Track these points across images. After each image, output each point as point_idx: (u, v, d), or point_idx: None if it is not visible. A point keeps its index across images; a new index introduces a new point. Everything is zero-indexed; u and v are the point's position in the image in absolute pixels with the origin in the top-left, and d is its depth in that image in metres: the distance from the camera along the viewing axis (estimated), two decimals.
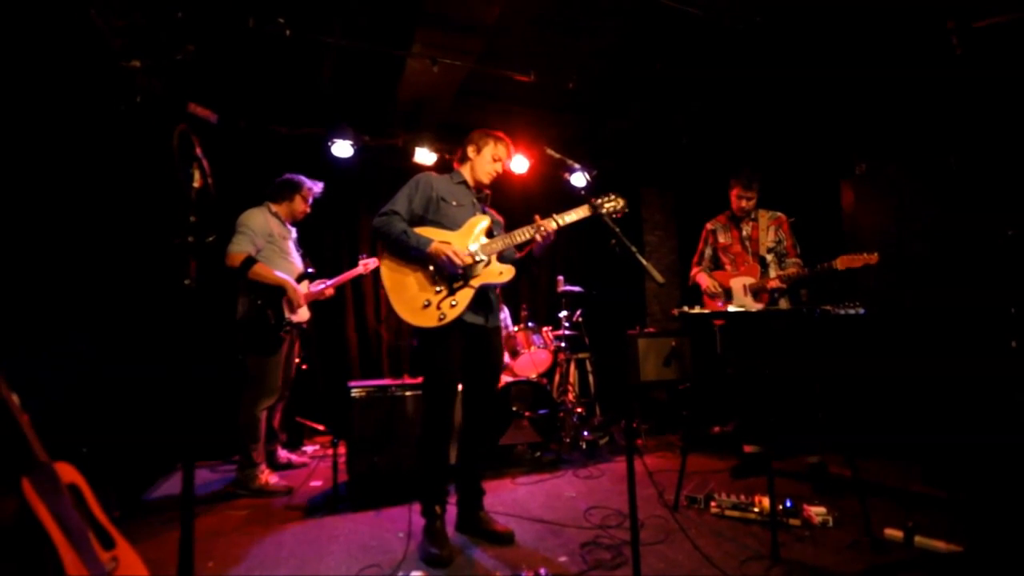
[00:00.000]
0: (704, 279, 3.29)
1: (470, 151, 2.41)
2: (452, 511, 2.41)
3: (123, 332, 3.18)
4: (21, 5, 2.30)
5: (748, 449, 3.12)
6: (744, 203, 3.20)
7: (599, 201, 2.19)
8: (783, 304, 3.08)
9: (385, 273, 2.17)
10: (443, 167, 4.69)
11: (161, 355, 3.29)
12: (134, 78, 2.98)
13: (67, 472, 1.35)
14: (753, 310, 2.90)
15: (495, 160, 2.40)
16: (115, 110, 3.09)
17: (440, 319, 2.13)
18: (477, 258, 2.21)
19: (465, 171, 2.43)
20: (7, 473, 1.18)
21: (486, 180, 2.41)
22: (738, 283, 3.18)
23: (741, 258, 3.22)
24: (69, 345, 2.70)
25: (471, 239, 2.27)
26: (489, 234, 2.33)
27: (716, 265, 3.37)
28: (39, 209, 2.65)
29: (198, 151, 1.28)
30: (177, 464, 3.44)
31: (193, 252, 1.26)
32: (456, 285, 2.19)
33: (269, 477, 2.97)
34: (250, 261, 2.85)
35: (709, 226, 3.41)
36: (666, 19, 3.31)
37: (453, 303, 2.15)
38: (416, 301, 2.14)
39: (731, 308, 3.09)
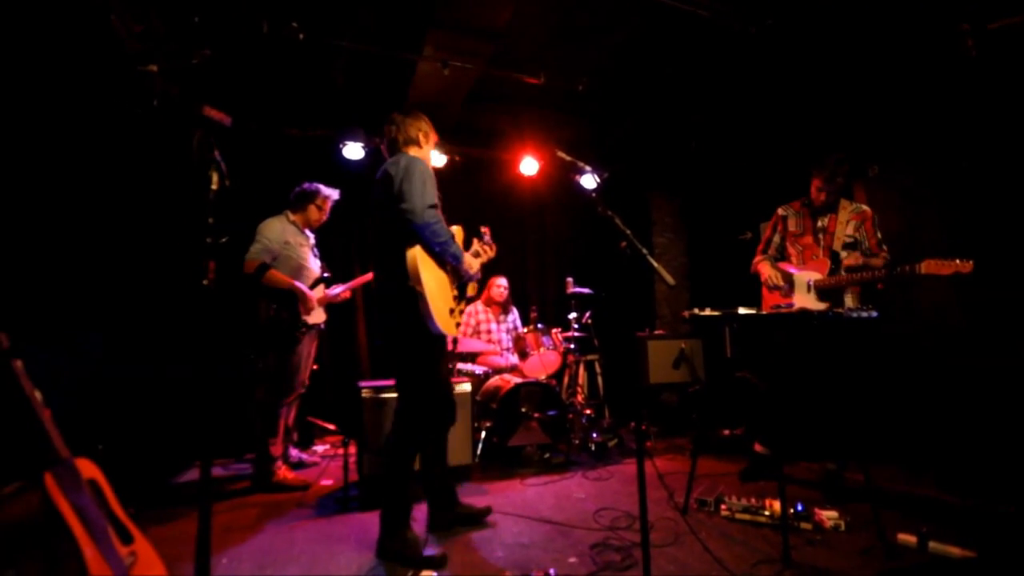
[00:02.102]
0: (766, 268, 3.00)
1: (421, 138, 2.23)
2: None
3: (140, 331, 3.23)
4: (44, 11, 2.35)
5: (759, 448, 3.06)
6: (825, 196, 2.87)
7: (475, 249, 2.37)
8: (849, 303, 2.79)
9: (426, 275, 2.01)
10: (453, 170, 4.74)
11: (176, 354, 3.34)
12: (151, 82, 3.03)
13: (87, 468, 1.38)
14: (815, 310, 2.63)
15: (432, 149, 2.34)
16: (132, 113, 3.15)
17: (457, 326, 2.16)
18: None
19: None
20: (31, 468, 1.21)
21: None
22: (803, 278, 2.88)
23: (811, 251, 2.91)
24: (86, 343, 2.74)
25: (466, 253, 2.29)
26: None
27: (781, 255, 3.08)
28: (59, 210, 2.70)
29: (216, 154, 1.31)
30: (190, 462, 3.49)
31: (211, 253, 1.29)
32: (461, 295, 2.24)
33: (287, 473, 3.03)
34: (264, 268, 2.94)
35: (780, 212, 3.09)
36: (676, 22, 3.31)
37: (461, 311, 2.24)
38: (445, 307, 2.09)
39: (794, 304, 2.84)
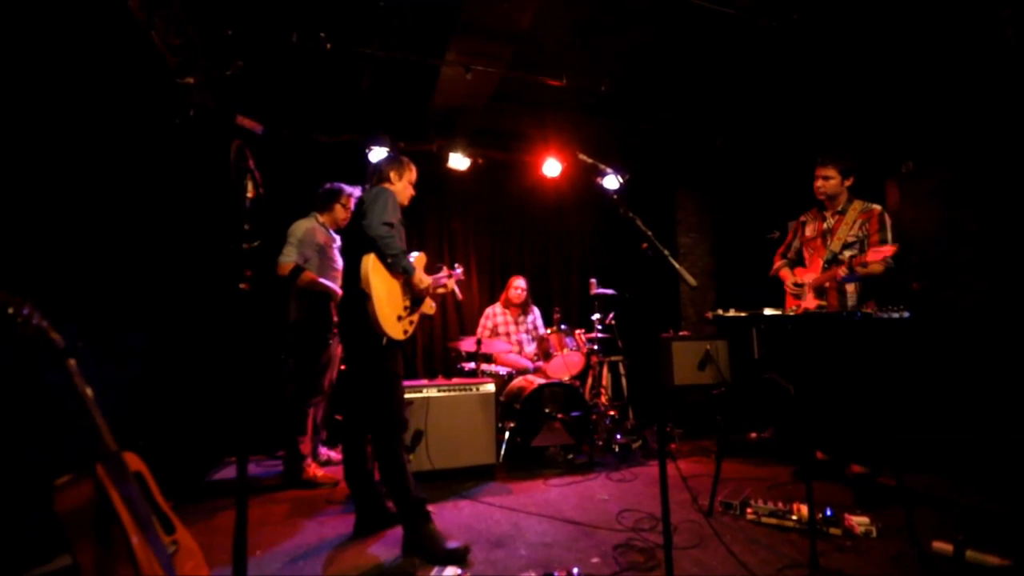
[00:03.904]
0: (786, 274, 3.16)
1: (392, 176, 2.50)
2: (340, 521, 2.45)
3: (180, 333, 3.36)
4: (90, 29, 2.49)
5: (820, 456, 3.04)
6: (819, 183, 2.94)
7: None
8: (852, 301, 2.85)
9: (376, 280, 2.20)
10: (476, 172, 4.79)
11: (213, 354, 3.46)
12: (188, 93, 3.16)
13: (133, 461, 1.46)
14: (813, 308, 2.76)
15: (410, 183, 2.59)
16: (171, 123, 3.29)
17: (404, 333, 2.35)
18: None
19: None
20: (83, 460, 1.29)
21: (407, 204, 2.56)
22: (806, 279, 3.02)
23: (818, 252, 3.00)
24: (131, 344, 2.88)
25: (422, 271, 2.46)
26: None
27: (799, 259, 3.19)
28: (105, 217, 2.84)
29: (251, 163, 1.37)
30: (224, 458, 3.62)
31: (247, 258, 1.35)
32: (415, 307, 2.43)
33: (316, 470, 3.11)
34: (298, 270, 3.02)
35: (802, 218, 3.21)
36: (700, 19, 3.27)
37: (411, 322, 2.41)
38: (393, 312, 2.28)
39: (801, 305, 2.95)
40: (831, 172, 2.91)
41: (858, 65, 3.55)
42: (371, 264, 2.20)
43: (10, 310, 1.27)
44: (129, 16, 2.67)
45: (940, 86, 3.38)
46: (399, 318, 2.31)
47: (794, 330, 2.57)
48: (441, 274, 2.75)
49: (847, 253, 2.84)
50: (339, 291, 3.10)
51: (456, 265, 2.92)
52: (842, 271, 2.75)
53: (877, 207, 2.86)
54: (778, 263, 3.26)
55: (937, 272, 3.45)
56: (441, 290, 2.71)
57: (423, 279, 2.39)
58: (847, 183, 2.93)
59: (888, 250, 2.54)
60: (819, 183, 2.96)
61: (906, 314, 2.20)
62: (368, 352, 2.25)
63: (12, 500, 1.85)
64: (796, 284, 3.06)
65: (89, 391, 1.39)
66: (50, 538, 1.78)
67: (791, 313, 2.45)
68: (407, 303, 2.38)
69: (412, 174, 2.58)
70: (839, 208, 2.95)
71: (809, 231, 3.10)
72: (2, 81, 2.05)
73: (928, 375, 3.21)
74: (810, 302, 2.95)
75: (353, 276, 2.24)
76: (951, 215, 3.43)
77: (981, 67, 3.12)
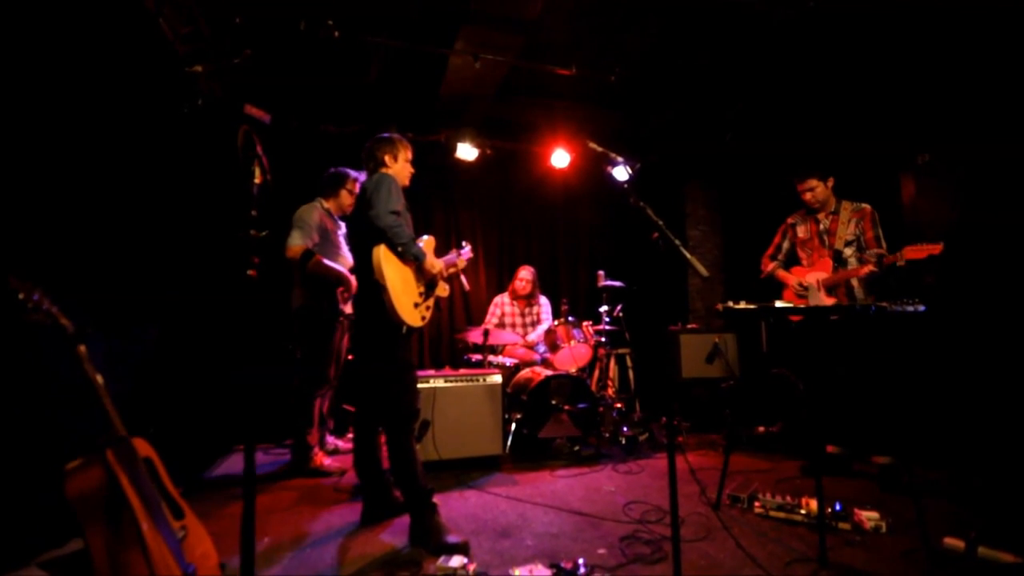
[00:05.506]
0: (785, 275, 3.24)
1: (388, 159, 2.45)
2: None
3: (189, 321, 3.38)
4: (99, 18, 2.48)
5: (831, 449, 3.04)
6: (807, 196, 3.11)
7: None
8: (859, 295, 2.97)
9: (389, 270, 2.19)
10: (484, 163, 4.77)
11: (221, 343, 3.48)
12: (197, 82, 3.15)
13: (142, 447, 1.47)
14: (825, 304, 2.78)
15: (407, 162, 2.54)
16: (179, 112, 3.29)
17: (423, 319, 2.35)
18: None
19: None
20: (93, 445, 1.30)
21: (407, 183, 2.50)
22: (812, 279, 3.09)
23: (817, 252, 3.11)
24: (142, 333, 2.90)
25: (432, 254, 2.44)
26: None
27: (793, 260, 3.29)
28: (111, 204, 2.85)
29: (259, 150, 1.36)
30: (233, 446, 3.65)
31: (255, 246, 1.34)
32: (429, 292, 2.43)
33: (323, 459, 3.13)
34: (309, 253, 2.96)
35: (790, 220, 3.33)
36: (712, 8, 3.22)
37: (428, 307, 2.41)
38: (409, 299, 2.28)
39: (809, 303, 2.99)
40: (813, 183, 3.08)
41: (873, 56, 3.48)
42: (383, 254, 2.19)
43: (20, 295, 1.28)
44: (138, 4, 2.66)
45: (956, 77, 3.30)
46: (415, 305, 2.31)
47: (806, 323, 2.55)
48: (451, 255, 2.75)
49: (848, 251, 3.00)
50: (349, 274, 3.07)
51: (463, 243, 2.93)
52: (866, 269, 2.85)
53: (867, 206, 3.01)
54: (771, 265, 3.36)
55: (951, 265, 3.39)
56: (452, 270, 2.70)
57: (435, 263, 2.38)
58: (830, 184, 3.09)
59: (934, 248, 2.58)
60: (807, 196, 3.11)
61: (921, 307, 2.16)
62: (388, 341, 2.24)
63: (25, 484, 1.87)
64: (801, 285, 3.12)
65: (99, 377, 1.39)
66: (63, 522, 1.80)
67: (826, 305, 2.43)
68: (421, 289, 2.38)
69: (407, 152, 2.52)
70: (831, 209, 3.10)
71: (802, 232, 3.22)
72: (17, 73, 2.05)
73: (942, 367, 3.16)
74: (824, 300, 3.01)
75: (365, 267, 2.22)
76: (966, 208, 3.36)
77: (1002, 51, 3.04)
